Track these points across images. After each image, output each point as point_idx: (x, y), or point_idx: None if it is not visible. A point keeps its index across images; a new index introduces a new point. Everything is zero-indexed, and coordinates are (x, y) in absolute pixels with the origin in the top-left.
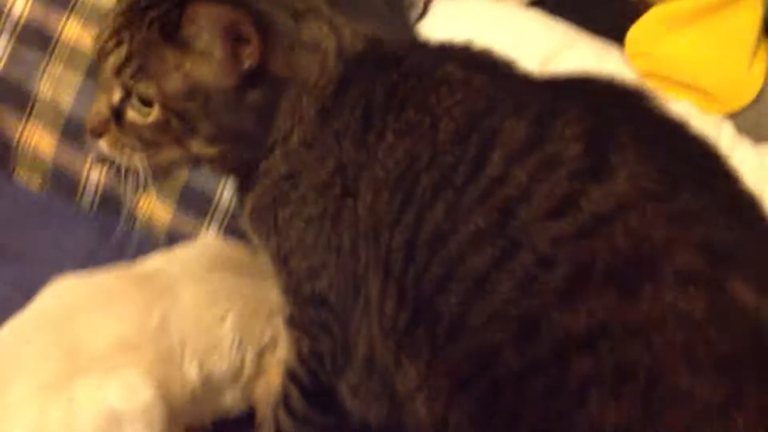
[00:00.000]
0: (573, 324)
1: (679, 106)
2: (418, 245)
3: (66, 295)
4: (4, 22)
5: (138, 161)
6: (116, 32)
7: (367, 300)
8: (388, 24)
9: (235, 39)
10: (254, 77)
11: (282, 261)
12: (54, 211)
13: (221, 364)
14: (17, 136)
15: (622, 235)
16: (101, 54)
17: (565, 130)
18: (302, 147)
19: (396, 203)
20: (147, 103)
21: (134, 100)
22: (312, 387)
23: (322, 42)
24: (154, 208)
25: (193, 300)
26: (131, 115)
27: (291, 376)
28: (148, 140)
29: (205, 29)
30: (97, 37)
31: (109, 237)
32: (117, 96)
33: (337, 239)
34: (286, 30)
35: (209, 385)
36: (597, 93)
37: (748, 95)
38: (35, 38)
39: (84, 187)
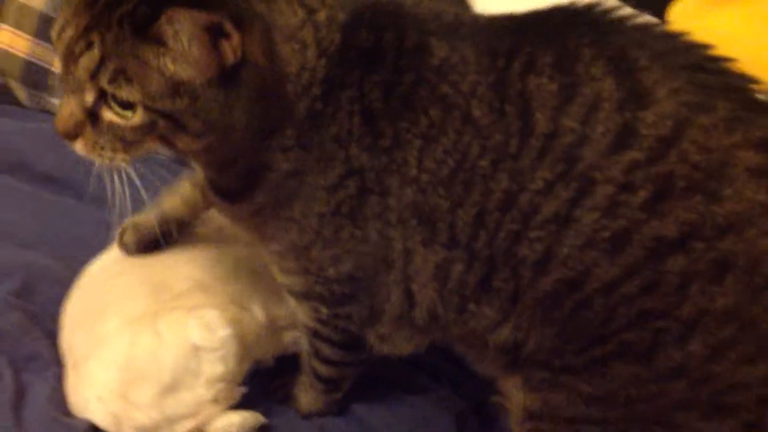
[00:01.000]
0: (663, 230)
1: None
2: (487, 214)
3: None
4: None
5: (121, 161)
6: (84, 32)
7: (405, 271)
8: None
9: (215, 37)
10: (239, 70)
11: (302, 250)
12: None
13: (281, 308)
14: None
15: (692, 150)
16: (68, 56)
17: (591, 70)
18: (299, 148)
19: (456, 191)
20: (127, 105)
21: (112, 103)
22: (339, 339)
23: (298, 32)
24: None
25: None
26: (109, 116)
27: (315, 334)
28: (130, 140)
29: (183, 32)
30: (58, 34)
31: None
32: (90, 98)
33: (360, 232)
34: (262, 19)
35: (273, 326)
36: (577, 23)
37: None
38: None
39: None
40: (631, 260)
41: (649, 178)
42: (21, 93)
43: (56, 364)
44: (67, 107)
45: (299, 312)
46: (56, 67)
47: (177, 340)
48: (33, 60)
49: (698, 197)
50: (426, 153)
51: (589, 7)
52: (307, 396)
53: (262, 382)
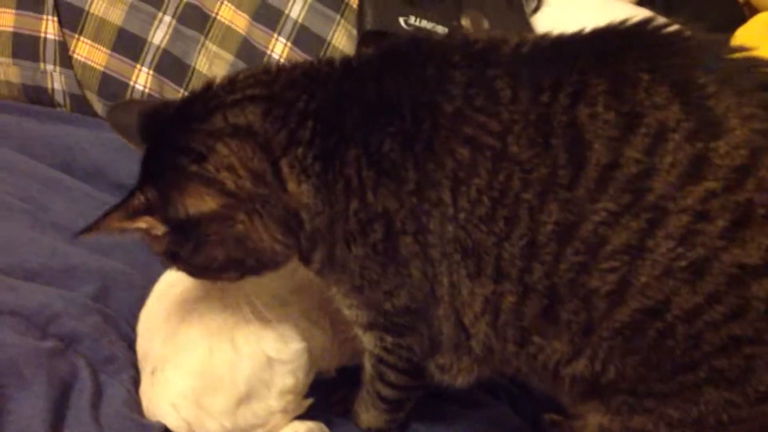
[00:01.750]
0: (745, 258)
1: None
2: (540, 246)
3: None
4: (167, 3)
5: None
6: None
7: (453, 305)
8: (505, 18)
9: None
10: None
11: (357, 291)
12: None
13: (345, 322)
14: None
15: None
16: None
17: (653, 97)
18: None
19: (498, 226)
20: None
21: None
22: (404, 366)
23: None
24: None
25: None
26: None
27: (380, 360)
28: None
29: None
30: None
31: None
32: None
33: (404, 269)
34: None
35: (337, 339)
36: (633, 45)
37: None
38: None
39: None
40: (712, 288)
41: (727, 207)
42: (97, 104)
43: (132, 367)
44: None
45: (364, 340)
46: (133, 80)
47: (253, 352)
48: (110, 73)
49: None
50: (458, 193)
51: (642, 25)
52: (367, 414)
53: (323, 394)
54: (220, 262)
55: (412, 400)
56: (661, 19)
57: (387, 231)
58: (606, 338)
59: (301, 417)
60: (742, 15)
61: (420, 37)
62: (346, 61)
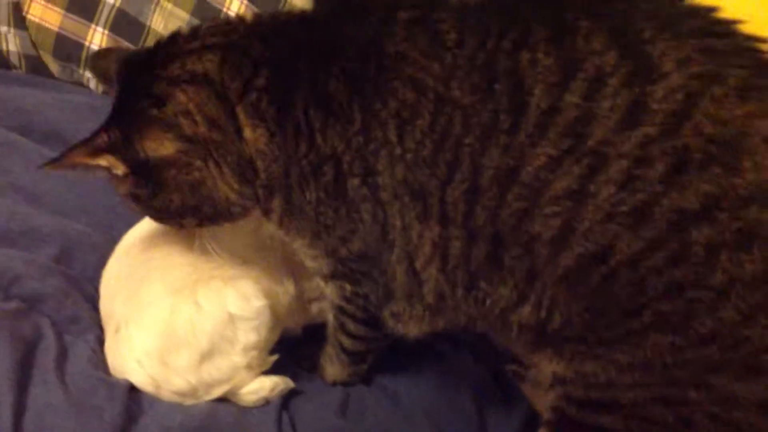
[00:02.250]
0: (684, 203)
1: None
2: (482, 190)
3: None
4: None
5: None
6: None
7: (405, 248)
8: None
9: None
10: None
11: (315, 237)
12: None
13: (310, 281)
14: None
15: (706, 123)
16: None
17: (592, 44)
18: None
19: (440, 169)
20: None
21: None
22: (362, 316)
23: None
24: None
25: None
26: None
27: (341, 310)
28: None
29: None
30: None
31: None
32: None
33: (355, 213)
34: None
35: (302, 297)
36: None
37: None
38: None
39: None
40: (654, 233)
41: (665, 151)
42: (53, 65)
43: (96, 327)
44: None
45: (327, 291)
46: (88, 40)
47: (215, 309)
48: (64, 33)
49: (717, 169)
50: (404, 133)
51: None
52: (332, 367)
53: (290, 350)
54: (177, 207)
55: (373, 352)
56: None
57: (336, 173)
58: (550, 284)
59: (268, 372)
60: None
61: None
62: (303, 11)
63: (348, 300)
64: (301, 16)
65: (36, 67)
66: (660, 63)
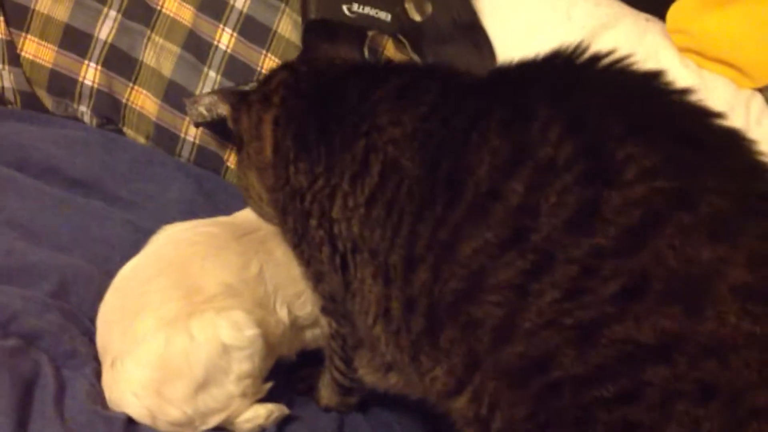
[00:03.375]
0: (640, 335)
1: (715, 79)
2: (417, 259)
3: (180, 242)
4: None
5: None
6: None
7: (363, 302)
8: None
9: None
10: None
11: (301, 267)
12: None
13: (305, 308)
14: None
15: (669, 254)
16: None
17: (547, 134)
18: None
19: (387, 230)
20: None
21: None
22: (341, 354)
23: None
24: None
25: (283, 254)
26: None
27: (329, 345)
28: None
29: None
30: None
31: (204, 187)
32: None
33: (317, 252)
34: None
35: (296, 325)
36: (551, 78)
37: None
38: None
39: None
40: (601, 359)
41: (619, 271)
42: (47, 101)
43: (93, 360)
44: None
45: (322, 322)
46: (81, 75)
47: (208, 339)
48: (58, 69)
49: (677, 308)
50: (358, 187)
51: (557, 55)
52: (326, 392)
53: (285, 376)
54: (242, 178)
55: (360, 390)
56: (591, 47)
57: (301, 210)
58: (492, 377)
59: (263, 400)
60: None
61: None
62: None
63: (333, 336)
64: (331, 65)
65: (31, 102)
66: (622, 168)
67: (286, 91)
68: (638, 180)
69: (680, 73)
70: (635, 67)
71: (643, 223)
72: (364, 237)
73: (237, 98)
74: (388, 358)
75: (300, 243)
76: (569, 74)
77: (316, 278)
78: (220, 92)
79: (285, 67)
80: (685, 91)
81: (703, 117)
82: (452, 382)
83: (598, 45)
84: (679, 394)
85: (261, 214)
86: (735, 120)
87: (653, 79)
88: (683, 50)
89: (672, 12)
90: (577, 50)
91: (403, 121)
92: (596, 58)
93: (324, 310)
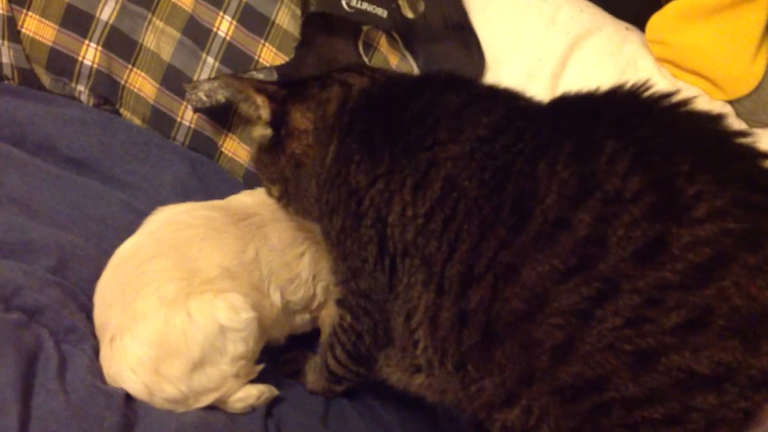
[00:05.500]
0: (697, 365)
1: (690, 90)
2: (475, 277)
3: (179, 224)
4: None
5: None
6: None
7: (406, 305)
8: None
9: None
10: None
11: (335, 262)
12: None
13: (298, 293)
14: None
15: (734, 291)
16: None
17: (615, 166)
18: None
19: (444, 244)
20: None
21: None
22: (350, 349)
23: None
24: (237, 148)
25: (278, 240)
26: None
27: (335, 335)
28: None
29: None
30: None
31: (198, 171)
32: None
33: (363, 251)
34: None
35: (287, 310)
36: (616, 111)
37: (748, 86)
38: None
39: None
40: (654, 383)
41: (682, 304)
42: (45, 79)
43: (92, 336)
44: None
45: (332, 312)
46: (81, 55)
47: (206, 320)
48: (58, 48)
49: (735, 342)
50: (417, 199)
51: (619, 89)
52: (313, 376)
53: (273, 358)
54: (277, 170)
55: (349, 380)
56: (655, 85)
57: (356, 210)
58: (545, 393)
59: (253, 381)
60: (657, 2)
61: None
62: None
63: (344, 330)
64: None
65: (28, 79)
66: (692, 205)
67: (360, 95)
68: (709, 219)
69: (657, 83)
70: (697, 107)
71: (711, 261)
72: (417, 244)
73: (281, 91)
74: (420, 360)
75: (345, 239)
76: (634, 109)
77: (351, 273)
78: (233, 78)
79: (355, 71)
80: (743, 134)
81: (762, 160)
82: (502, 394)
83: (581, 50)
84: (722, 421)
85: (286, 204)
86: None
87: (715, 120)
88: (661, 60)
89: (652, 23)
90: (641, 87)
91: (461, 139)
92: (661, 96)
93: (341, 303)
